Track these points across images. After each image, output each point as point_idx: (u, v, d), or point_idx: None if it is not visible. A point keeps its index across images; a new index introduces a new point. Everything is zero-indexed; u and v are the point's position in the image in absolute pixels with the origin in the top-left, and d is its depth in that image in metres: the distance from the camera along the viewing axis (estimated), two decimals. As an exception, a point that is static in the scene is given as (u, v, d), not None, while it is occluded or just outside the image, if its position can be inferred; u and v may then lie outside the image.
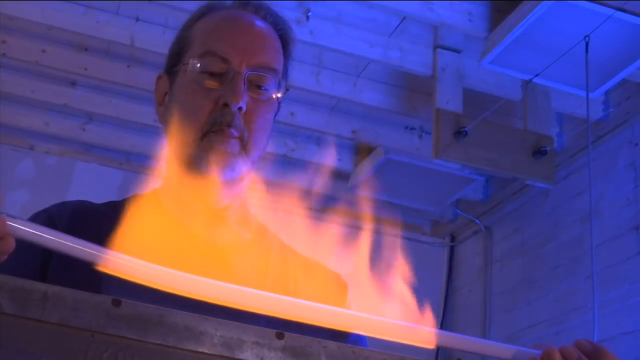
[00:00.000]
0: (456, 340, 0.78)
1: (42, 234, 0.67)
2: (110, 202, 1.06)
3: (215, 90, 1.00)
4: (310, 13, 2.75)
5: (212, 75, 1.01)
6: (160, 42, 2.86)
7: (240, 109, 1.00)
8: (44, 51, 3.10)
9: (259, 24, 1.06)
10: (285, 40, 1.08)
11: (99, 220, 0.98)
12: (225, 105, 0.99)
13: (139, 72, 3.16)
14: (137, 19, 2.89)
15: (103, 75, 3.18)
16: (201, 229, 1.02)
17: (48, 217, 0.99)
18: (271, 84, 1.04)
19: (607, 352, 0.77)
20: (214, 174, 0.99)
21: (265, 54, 1.04)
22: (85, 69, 3.15)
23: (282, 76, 1.07)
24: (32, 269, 0.94)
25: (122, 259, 0.68)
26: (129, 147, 3.57)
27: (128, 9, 2.86)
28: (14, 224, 0.66)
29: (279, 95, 1.07)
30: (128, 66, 3.17)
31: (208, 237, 1.02)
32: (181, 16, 2.78)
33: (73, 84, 3.37)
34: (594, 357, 0.78)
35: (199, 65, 1.01)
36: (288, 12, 2.74)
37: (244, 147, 1.02)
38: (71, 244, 0.67)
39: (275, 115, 1.09)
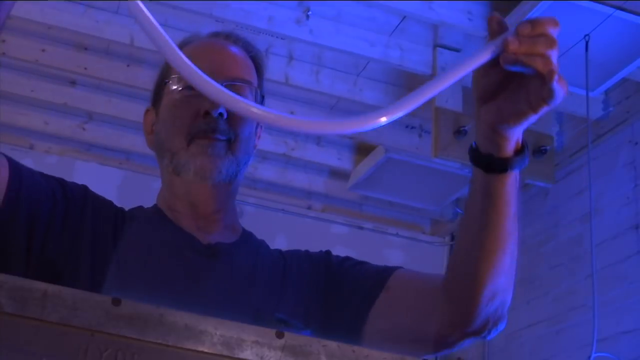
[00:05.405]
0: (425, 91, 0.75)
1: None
2: (130, 208, 1.13)
3: (196, 102, 1.06)
4: (310, 12, 2.75)
5: (192, 89, 1.07)
6: (160, 42, 2.86)
7: (221, 114, 1.05)
8: (43, 50, 3.10)
9: (231, 46, 1.14)
10: (257, 62, 1.16)
11: (115, 219, 1.06)
12: (207, 113, 1.05)
13: (138, 71, 3.16)
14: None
15: (103, 75, 3.18)
16: (195, 234, 1.07)
17: (84, 188, 1.08)
18: (248, 95, 1.10)
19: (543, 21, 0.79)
20: (203, 178, 1.05)
21: (239, 69, 1.12)
22: (85, 68, 3.15)
23: (259, 95, 1.14)
24: (45, 202, 0.99)
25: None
26: (129, 147, 3.57)
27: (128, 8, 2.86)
28: None
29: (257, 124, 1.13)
30: (128, 65, 3.18)
31: (202, 240, 1.07)
32: (181, 15, 2.79)
33: (73, 83, 3.37)
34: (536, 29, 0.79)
35: (178, 81, 1.09)
36: (288, 11, 2.75)
37: (231, 148, 1.07)
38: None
39: (256, 130, 1.15)
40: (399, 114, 0.74)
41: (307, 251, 1.14)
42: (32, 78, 3.32)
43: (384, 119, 0.72)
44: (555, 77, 0.77)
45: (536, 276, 3.25)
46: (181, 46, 1.15)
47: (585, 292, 2.84)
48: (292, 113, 3.35)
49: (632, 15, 2.40)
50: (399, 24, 2.85)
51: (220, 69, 1.09)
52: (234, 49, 1.13)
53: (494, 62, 0.79)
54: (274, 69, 2.98)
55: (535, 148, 2.93)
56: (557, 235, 3.18)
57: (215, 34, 1.18)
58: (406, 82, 3.20)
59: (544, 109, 0.80)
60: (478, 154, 0.89)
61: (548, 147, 2.94)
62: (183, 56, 0.69)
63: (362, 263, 1.11)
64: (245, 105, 0.71)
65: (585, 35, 2.50)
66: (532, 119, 0.82)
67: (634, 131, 2.85)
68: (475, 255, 0.92)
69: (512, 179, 0.88)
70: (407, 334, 1.03)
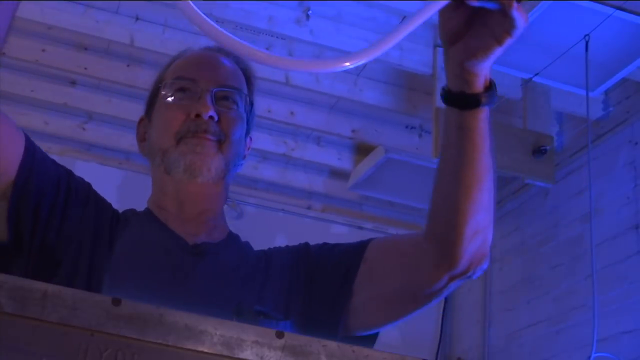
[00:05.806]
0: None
1: None
2: (123, 210, 1.16)
3: (187, 105, 1.11)
4: (310, 12, 2.75)
5: (184, 92, 1.12)
6: (160, 41, 2.86)
7: (212, 117, 1.09)
8: (43, 50, 3.10)
9: (222, 58, 1.18)
10: (247, 75, 1.20)
11: (111, 221, 1.10)
12: (197, 116, 1.09)
13: (138, 71, 3.16)
14: (137, 18, 2.89)
15: (103, 75, 3.18)
16: (182, 234, 1.10)
17: (88, 186, 1.10)
18: (238, 101, 1.14)
19: None
20: (192, 175, 1.08)
21: (229, 77, 1.16)
22: (85, 68, 3.15)
23: (248, 102, 1.17)
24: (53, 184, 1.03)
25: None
26: (129, 146, 3.57)
27: (127, 8, 2.86)
28: None
29: (247, 133, 1.17)
30: (128, 65, 3.17)
31: (189, 241, 1.09)
32: (181, 15, 2.78)
33: (73, 83, 3.37)
34: None
35: (171, 85, 1.13)
36: (288, 11, 2.75)
37: (221, 148, 1.10)
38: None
39: (246, 136, 1.17)
40: (363, 59, 0.78)
41: (287, 246, 1.17)
42: (32, 78, 3.31)
43: (348, 64, 0.77)
44: (515, 5, 0.82)
45: (536, 276, 3.25)
46: (175, 58, 1.20)
47: (585, 292, 2.83)
48: (292, 113, 3.36)
49: (632, 15, 2.40)
50: (399, 24, 2.85)
51: (210, 76, 1.13)
52: (225, 60, 1.18)
53: (457, 4, 0.85)
54: (274, 69, 2.98)
55: (535, 148, 2.93)
56: (557, 235, 3.18)
57: (208, 48, 1.22)
58: (406, 82, 3.20)
59: (508, 40, 0.85)
60: (450, 94, 0.93)
61: (548, 147, 2.93)
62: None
63: (338, 245, 1.15)
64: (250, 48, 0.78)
65: (585, 35, 2.49)
66: (498, 52, 0.87)
67: (634, 131, 2.85)
68: (454, 194, 0.98)
69: (484, 114, 0.95)
70: (395, 294, 1.06)
